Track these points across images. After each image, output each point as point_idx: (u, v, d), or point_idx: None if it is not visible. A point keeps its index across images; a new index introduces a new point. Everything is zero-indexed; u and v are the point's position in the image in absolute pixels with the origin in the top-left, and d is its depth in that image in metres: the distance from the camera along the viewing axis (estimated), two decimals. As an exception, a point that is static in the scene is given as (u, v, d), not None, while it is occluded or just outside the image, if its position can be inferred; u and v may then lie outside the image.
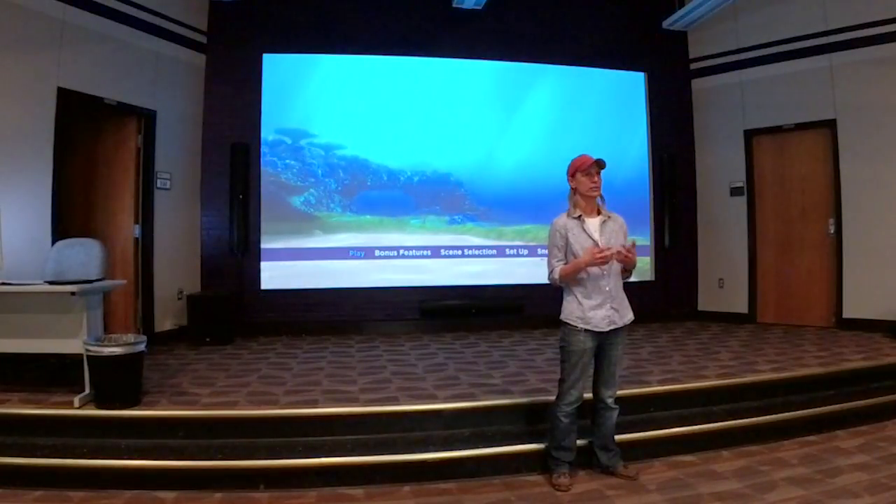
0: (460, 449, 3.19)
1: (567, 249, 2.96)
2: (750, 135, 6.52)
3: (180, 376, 4.20)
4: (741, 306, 6.56)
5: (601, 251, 2.80)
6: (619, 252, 2.84)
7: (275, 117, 6.14)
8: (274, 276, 6.07)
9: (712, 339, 5.51)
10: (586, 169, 2.92)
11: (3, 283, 3.52)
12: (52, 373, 3.80)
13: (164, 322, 5.66)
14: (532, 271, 6.35)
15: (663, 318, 6.60)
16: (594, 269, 2.91)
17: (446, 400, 3.58)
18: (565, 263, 2.97)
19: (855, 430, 3.67)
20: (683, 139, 6.94)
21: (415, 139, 6.39)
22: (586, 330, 2.91)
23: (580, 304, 2.93)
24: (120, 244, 5.39)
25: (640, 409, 3.61)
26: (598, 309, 2.91)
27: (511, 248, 6.56)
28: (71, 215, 4.93)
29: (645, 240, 6.78)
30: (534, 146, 6.59)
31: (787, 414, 3.67)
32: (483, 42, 6.53)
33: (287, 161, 6.17)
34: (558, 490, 2.93)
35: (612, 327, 2.93)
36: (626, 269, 2.99)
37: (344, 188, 6.27)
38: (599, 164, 2.93)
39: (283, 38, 6.18)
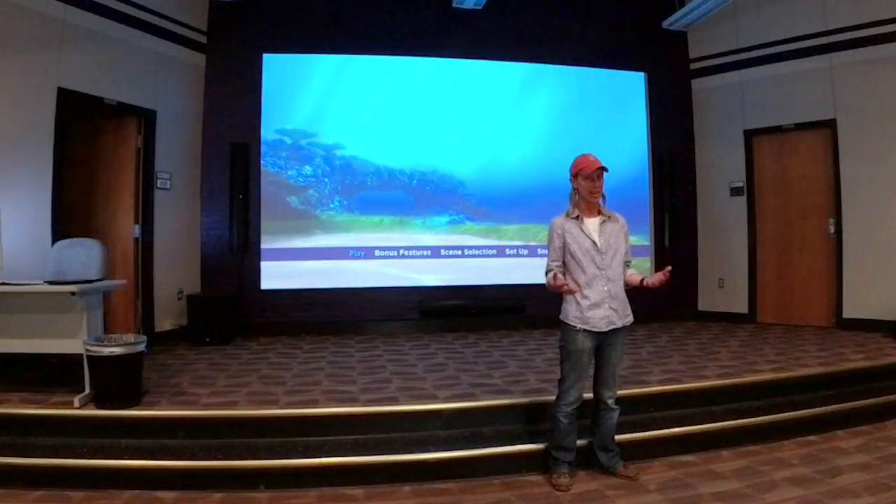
0: (460, 449, 3.19)
1: (565, 250, 2.96)
2: (750, 135, 6.51)
3: (180, 376, 4.20)
4: (741, 306, 6.56)
5: (558, 280, 2.85)
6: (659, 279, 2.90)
7: (275, 117, 6.14)
8: (274, 276, 6.07)
9: (712, 339, 5.51)
10: (589, 174, 2.92)
11: (3, 283, 3.52)
12: (52, 373, 3.80)
13: (164, 322, 5.66)
14: (532, 271, 6.32)
15: (663, 318, 6.59)
16: (592, 269, 2.91)
17: (446, 400, 3.58)
18: (560, 265, 2.98)
19: (855, 430, 3.67)
20: (683, 139, 6.94)
21: (415, 139, 6.39)
22: (585, 330, 2.91)
23: (578, 303, 2.92)
24: (120, 244, 5.39)
25: (640, 409, 3.61)
26: (596, 309, 2.90)
27: (511, 247, 6.56)
28: (71, 215, 4.93)
29: (645, 240, 6.79)
30: (534, 146, 6.59)
31: (787, 414, 3.67)
32: (483, 42, 6.53)
33: (287, 161, 6.17)
34: (558, 490, 2.93)
35: (610, 328, 2.92)
36: (645, 286, 2.99)
37: (344, 188, 6.27)
38: (599, 172, 2.92)
39: (283, 38, 6.18)
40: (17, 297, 3.58)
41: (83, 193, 5.31)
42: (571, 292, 2.89)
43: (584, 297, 2.91)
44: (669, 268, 2.89)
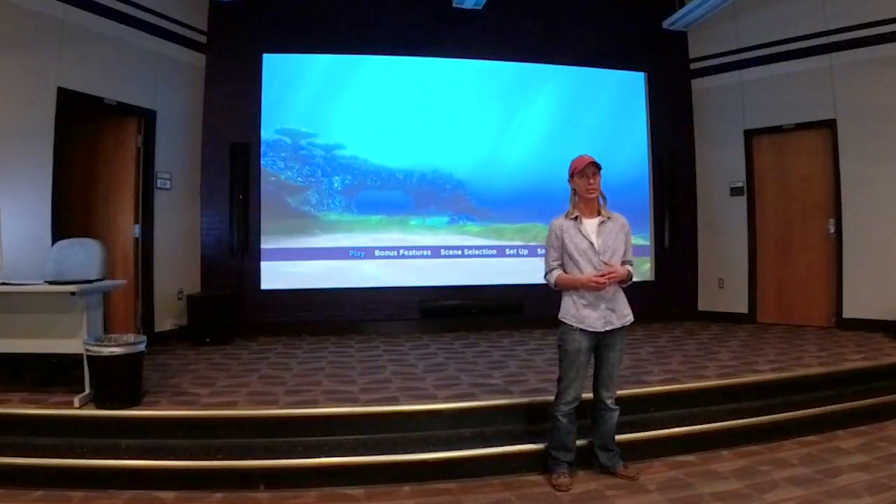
0: (460, 449, 3.19)
1: (563, 250, 2.97)
2: (750, 135, 6.51)
3: (180, 376, 4.20)
4: (741, 306, 6.56)
5: (598, 278, 2.84)
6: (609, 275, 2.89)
7: (275, 117, 6.14)
8: (274, 276, 6.07)
9: (712, 339, 5.51)
10: (581, 170, 2.93)
11: (3, 283, 3.52)
12: (52, 373, 3.80)
13: (164, 322, 5.66)
14: (532, 271, 6.30)
15: (663, 318, 6.59)
16: (588, 269, 2.91)
17: (446, 400, 3.58)
18: (560, 264, 2.99)
19: (855, 430, 3.67)
20: (683, 139, 6.94)
21: (415, 139, 6.38)
22: (581, 329, 2.91)
23: (575, 303, 2.94)
24: (120, 244, 5.38)
25: (640, 409, 3.60)
26: (592, 309, 2.91)
27: (511, 247, 6.56)
28: (71, 215, 4.92)
29: (645, 240, 6.78)
30: (534, 146, 6.59)
31: (787, 414, 3.67)
32: (483, 42, 6.53)
33: (287, 161, 6.16)
34: (558, 490, 2.93)
35: (608, 328, 2.93)
36: (623, 281, 2.98)
37: (344, 188, 6.27)
38: (592, 166, 2.92)
39: (283, 38, 6.18)
40: (17, 297, 3.57)
41: (83, 193, 5.31)
42: (601, 285, 2.86)
43: (581, 296, 2.92)
44: (600, 275, 2.88)
